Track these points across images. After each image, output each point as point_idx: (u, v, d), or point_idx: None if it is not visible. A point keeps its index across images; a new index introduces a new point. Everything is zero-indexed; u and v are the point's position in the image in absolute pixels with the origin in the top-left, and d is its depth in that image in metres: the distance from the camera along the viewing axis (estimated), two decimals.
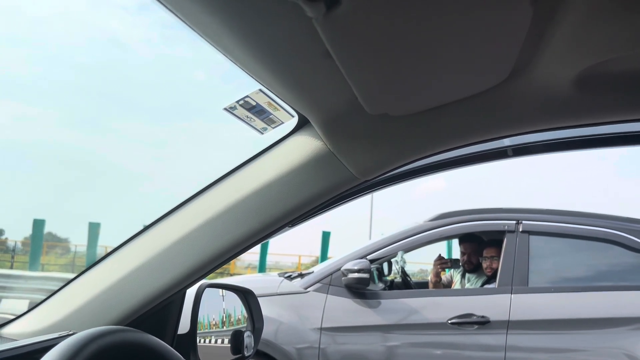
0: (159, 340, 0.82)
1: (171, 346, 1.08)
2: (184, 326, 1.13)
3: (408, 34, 0.60)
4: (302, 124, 0.94)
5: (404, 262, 4.02)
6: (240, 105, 0.86)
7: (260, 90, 0.83)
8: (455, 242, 4.31)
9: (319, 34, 0.57)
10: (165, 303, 1.05)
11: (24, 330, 1.05)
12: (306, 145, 0.94)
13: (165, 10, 0.61)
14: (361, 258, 3.63)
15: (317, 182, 0.94)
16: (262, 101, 0.85)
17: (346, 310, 3.52)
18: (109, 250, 1.10)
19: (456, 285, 4.10)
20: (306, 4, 0.51)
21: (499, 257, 3.63)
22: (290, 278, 3.77)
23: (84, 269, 1.10)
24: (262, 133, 0.94)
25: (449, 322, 3.41)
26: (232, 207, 0.98)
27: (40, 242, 14.39)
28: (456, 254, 4.15)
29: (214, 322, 1.24)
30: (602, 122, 0.87)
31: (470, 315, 3.42)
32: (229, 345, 1.24)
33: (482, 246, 3.93)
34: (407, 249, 3.81)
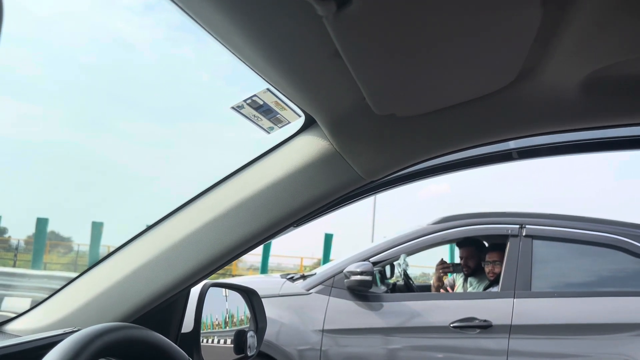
0: (163, 337, 0.82)
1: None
2: (187, 325, 1.13)
3: (417, 34, 0.60)
4: (309, 124, 0.94)
5: (407, 265, 4.02)
6: (248, 104, 0.86)
7: (268, 89, 0.83)
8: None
9: (328, 33, 0.58)
10: (170, 302, 1.05)
11: (28, 327, 1.05)
12: (312, 145, 0.94)
13: (175, 8, 0.61)
14: (364, 260, 3.63)
15: (323, 182, 0.94)
16: (270, 100, 0.86)
17: (348, 312, 3.52)
18: (111, 250, 1.10)
19: (458, 289, 4.10)
20: (317, 2, 0.51)
21: (501, 261, 3.62)
22: (292, 280, 3.77)
23: (87, 267, 1.10)
24: (269, 132, 0.95)
25: (451, 325, 3.41)
26: (237, 207, 0.98)
27: (43, 240, 14.43)
28: (458, 258, 4.15)
29: (217, 322, 1.24)
30: (609, 126, 0.87)
31: (472, 319, 3.41)
32: (232, 344, 1.24)
33: (483, 250, 3.92)
34: (410, 252, 3.81)
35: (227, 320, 1.28)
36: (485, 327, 3.38)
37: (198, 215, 1.00)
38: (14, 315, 1.11)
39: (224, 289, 1.29)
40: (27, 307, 1.11)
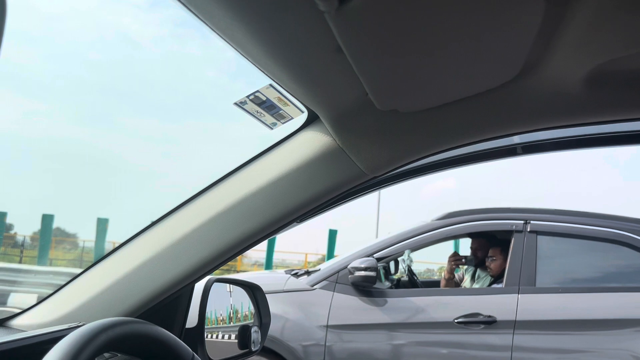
0: (168, 332, 0.82)
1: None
2: (192, 320, 1.14)
3: (419, 29, 0.60)
4: (312, 120, 0.95)
5: (411, 261, 4.02)
6: (251, 100, 0.86)
7: (271, 85, 0.83)
8: (462, 242, 4.30)
9: (330, 29, 0.58)
10: (174, 297, 1.06)
11: (34, 322, 1.06)
12: (315, 141, 0.94)
13: (178, 4, 0.61)
14: (368, 256, 3.63)
15: (326, 177, 0.95)
16: (272, 96, 0.86)
17: (352, 308, 3.52)
18: (117, 246, 1.11)
19: (466, 282, 4.10)
20: None
21: (505, 257, 3.62)
22: (296, 275, 3.77)
23: (92, 263, 1.10)
24: (272, 128, 0.95)
25: (456, 321, 3.41)
26: (241, 202, 0.98)
27: (49, 237, 14.51)
28: (464, 254, 4.14)
29: (221, 317, 1.25)
30: (613, 120, 0.87)
31: (477, 314, 3.41)
32: (236, 340, 1.25)
33: (491, 244, 3.91)
34: (414, 248, 3.81)
35: (232, 315, 1.29)
36: (490, 323, 3.38)
37: (202, 211, 1.01)
38: (20, 310, 1.12)
39: (228, 285, 1.29)
40: (33, 303, 1.12)
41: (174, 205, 1.05)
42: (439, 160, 1.09)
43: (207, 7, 0.61)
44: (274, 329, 3.40)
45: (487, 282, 3.87)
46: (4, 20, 0.37)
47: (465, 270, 4.22)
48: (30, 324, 1.06)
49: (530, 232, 3.60)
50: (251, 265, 18.29)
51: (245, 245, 1.01)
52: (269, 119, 0.92)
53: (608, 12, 0.60)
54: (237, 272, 14.15)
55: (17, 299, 8.96)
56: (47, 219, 14.23)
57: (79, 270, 1.11)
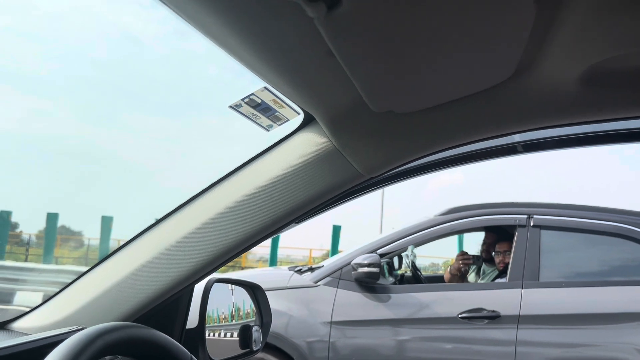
0: (166, 336, 0.83)
1: (179, 340, 1.09)
2: (192, 321, 1.14)
3: (410, 32, 0.60)
4: (308, 121, 0.95)
5: (414, 257, 4.02)
6: (246, 103, 0.86)
7: (266, 88, 0.83)
8: (466, 237, 4.29)
9: (321, 34, 0.58)
10: (174, 298, 1.06)
11: (35, 325, 1.07)
12: (312, 143, 0.94)
13: (169, 10, 0.61)
14: (371, 252, 3.63)
15: (322, 179, 0.95)
16: (268, 99, 0.86)
17: (356, 304, 3.53)
18: (121, 243, 1.11)
19: (470, 277, 4.09)
20: (307, 4, 0.51)
21: (511, 251, 3.61)
22: (300, 272, 3.78)
23: (95, 263, 1.11)
24: (268, 130, 0.95)
25: (459, 316, 3.41)
26: (239, 204, 0.98)
27: (54, 235, 14.56)
28: (468, 249, 4.14)
29: (222, 317, 1.25)
30: (609, 119, 0.87)
31: (480, 309, 3.41)
32: (238, 339, 1.25)
33: (500, 238, 3.90)
34: (418, 244, 3.81)
35: (233, 315, 1.29)
36: (494, 318, 3.38)
37: (199, 213, 1.01)
38: (27, 309, 1.12)
39: (229, 284, 1.30)
40: (39, 301, 1.13)
41: (173, 206, 1.06)
42: (436, 160, 1.09)
43: (198, 14, 0.61)
44: (278, 325, 3.41)
45: (493, 278, 3.87)
46: None
47: (470, 268, 4.22)
48: (31, 326, 1.07)
49: (533, 226, 3.59)
50: (256, 261, 18.33)
51: (243, 246, 1.01)
52: (265, 121, 0.92)
53: (601, 12, 0.60)
54: (242, 268, 14.20)
55: (23, 297, 9.02)
56: (51, 218, 14.28)
57: (84, 268, 1.11)
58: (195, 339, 1.12)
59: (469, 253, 4.22)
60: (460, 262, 3.92)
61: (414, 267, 4.09)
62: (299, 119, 0.94)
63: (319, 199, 0.97)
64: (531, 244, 3.55)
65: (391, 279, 3.82)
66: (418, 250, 4.06)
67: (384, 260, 3.69)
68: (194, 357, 0.87)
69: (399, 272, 4.09)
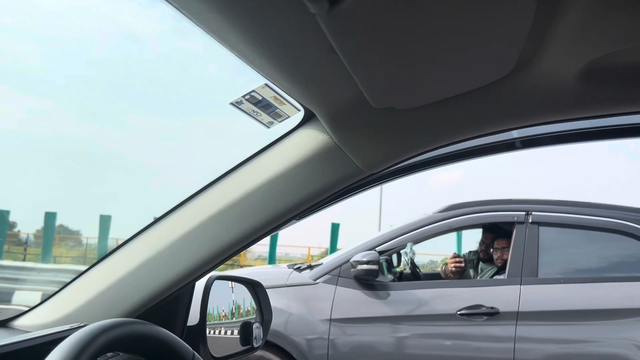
0: (168, 332, 0.83)
1: (181, 337, 1.09)
2: (193, 318, 1.14)
3: (411, 28, 0.60)
4: (309, 118, 0.95)
5: (413, 254, 4.03)
6: (247, 99, 0.87)
7: (266, 84, 0.83)
8: (465, 234, 4.29)
9: (322, 30, 0.58)
10: (175, 295, 1.06)
11: (37, 322, 1.07)
12: (312, 139, 0.94)
13: (170, 7, 0.62)
14: (370, 250, 3.63)
15: (323, 175, 0.95)
16: (268, 95, 0.86)
17: (355, 301, 3.53)
18: (120, 242, 1.11)
19: (468, 274, 4.10)
20: (309, 0, 0.51)
21: (509, 248, 3.62)
22: (299, 270, 3.78)
23: (94, 261, 1.11)
24: (269, 127, 0.95)
25: (458, 313, 3.42)
26: (239, 201, 0.99)
27: (52, 234, 14.54)
28: (466, 246, 4.15)
29: (223, 314, 1.25)
30: (609, 114, 0.87)
31: (479, 306, 3.42)
32: (238, 336, 1.25)
33: (498, 236, 3.91)
34: (416, 241, 3.82)
35: (234, 312, 1.29)
36: (492, 314, 3.39)
37: (200, 210, 1.01)
38: (25, 308, 1.12)
39: (229, 282, 1.30)
40: (38, 301, 1.13)
41: (172, 204, 1.06)
42: (437, 155, 1.09)
43: (199, 10, 0.61)
44: (277, 323, 3.41)
45: (491, 276, 3.87)
46: None
47: (468, 263, 4.22)
48: (33, 324, 1.07)
49: (532, 223, 3.60)
50: (255, 259, 18.33)
51: (244, 243, 1.01)
52: (266, 117, 0.92)
53: (600, 7, 0.60)
54: (241, 266, 14.20)
55: (22, 297, 9.00)
56: (50, 217, 14.26)
57: (82, 268, 1.12)
58: (197, 336, 1.12)
59: (469, 250, 4.23)
60: (452, 265, 3.92)
61: (412, 265, 4.09)
62: (299, 115, 0.94)
63: (320, 195, 0.97)
64: (530, 241, 3.56)
65: (390, 276, 3.82)
66: (417, 248, 4.07)
67: (382, 258, 3.69)
68: (196, 353, 0.87)
69: (398, 269, 4.09)
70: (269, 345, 3.40)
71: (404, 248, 3.86)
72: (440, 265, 4.51)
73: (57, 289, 1.12)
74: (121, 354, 0.84)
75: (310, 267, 3.80)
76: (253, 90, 0.85)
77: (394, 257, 3.99)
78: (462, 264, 3.93)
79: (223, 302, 1.25)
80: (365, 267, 3.49)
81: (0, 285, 9.25)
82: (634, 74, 0.75)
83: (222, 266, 1.10)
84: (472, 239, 4.17)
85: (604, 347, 3.29)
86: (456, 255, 4.02)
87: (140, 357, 0.82)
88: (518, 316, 3.37)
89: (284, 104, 0.88)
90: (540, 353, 3.33)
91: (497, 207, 3.74)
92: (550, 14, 0.62)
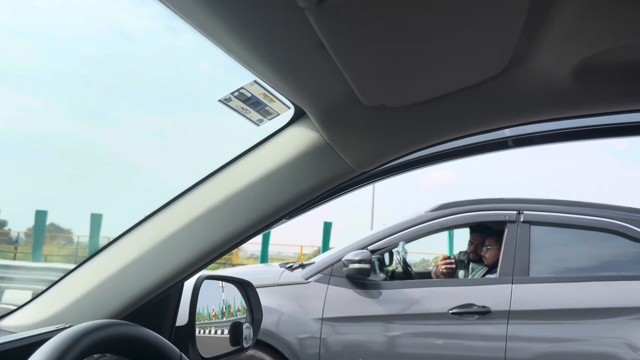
0: (154, 333, 0.82)
1: (169, 338, 1.08)
2: (182, 318, 1.13)
3: (402, 24, 0.59)
4: (299, 116, 0.94)
5: (405, 253, 4.02)
6: (235, 96, 0.85)
7: (255, 81, 0.82)
8: (457, 233, 4.30)
9: (312, 25, 0.57)
10: (163, 295, 1.05)
11: (22, 323, 1.05)
12: (303, 137, 0.93)
13: (159, 3, 0.60)
14: (362, 248, 3.63)
15: (314, 174, 0.94)
16: (258, 93, 0.85)
17: (347, 300, 3.53)
18: (105, 244, 1.10)
19: (460, 274, 4.11)
20: None
21: (500, 247, 3.63)
22: (291, 269, 3.78)
23: (82, 261, 1.10)
24: (258, 125, 0.94)
25: (450, 312, 3.42)
26: (229, 199, 0.97)
27: (42, 233, 14.46)
28: (458, 245, 4.16)
29: (213, 314, 1.24)
30: (601, 113, 0.86)
31: (471, 305, 3.42)
32: (228, 336, 1.24)
33: (488, 235, 3.92)
34: (408, 240, 3.81)
35: (224, 312, 1.28)
36: (484, 313, 3.39)
37: (189, 209, 1.00)
38: (14, 307, 1.11)
39: (219, 281, 1.29)
40: (26, 300, 1.11)
41: (161, 204, 1.04)
42: (428, 154, 1.08)
43: (187, 5, 0.59)
44: (269, 322, 3.40)
45: (482, 275, 3.88)
46: None
47: (459, 264, 4.22)
48: (19, 325, 1.05)
49: (523, 222, 3.61)
50: (247, 258, 18.31)
51: (234, 242, 1.00)
52: (255, 115, 0.90)
53: (593, 6, 0.60)
54: (233, 265, 14.18)
55: (11, 296, 8.94)
56: (40, 215, 14.18)
57: (73, 266, 1.10)
58: (185, 336, 1.11)
59: (460, 250, 4.24)
60: (443, 267, 3.91)
61: (404, 263, 4.09)
62: (289, 113, 0.93)
63: (310, 194, 0.96)
64: (521, 240, 3.57)
65: (382, 275, 3.82)
66: (409, 246, 4.06)
67: (374, 257, 3.69)
68: (183, 354, 0.86)
69: (390, 268, 4.09)
70: (260, 345, 3.38)
71: (396, 247, 3.86)
72: (433, 264, 4.52)
73: (45, 288, 1.10)
74: (108, 355, 0.82)
75: (303, 266, 3.80)
76: (242, 87, 0.83)
77: (386, 256, 3.99)
78: (453, 265, 3.93)
79: (213, 302, 1.24)
80: (357, 266, 3.49)
81: None
82: (627, 71, 0.74)
83: (213, 265, 1.09)
84: (464, 238, 4.18)
85: (595, 346, 3.31)
86: (446, 257, 4.02)
87: (126, 359, 0.81)
88: (509, 315, 3.37)
89: (273, 101, 0.87)
90: (532, 352, 3.34)
91: (489, 206, 3.75)
92: (544, 11, 0.61)
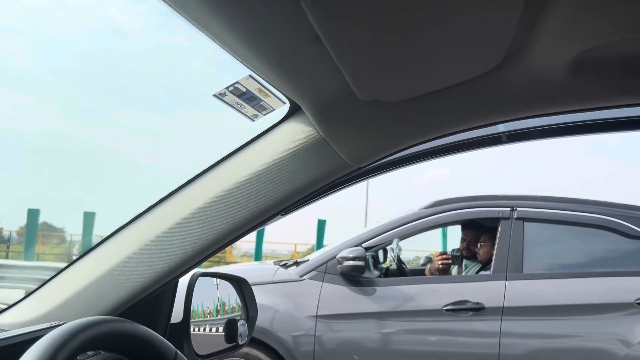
0: (149, 330, 0.81)
1: (164, 335, 1.07)
2: (177, 315, 1.12)
3: (399, 18, 0.59)
4: (294, 111, 0.93)
5: (399, 250, 4.03)
6: (230, 91, 0.84)
7: (250, 76, 0.81)
8: (450, 230, 4.30)
9: (308, 18, 0.56)
10: (158, 292, 1.04)
11: (15, 320, 1.04)
12: (298, 132, 0.92)
13: None
14: (356, 246, 3.64)
15: (309, 169, 0.93)
16: (253, 87, 0.84)
17: (341, 297, 3.53)
18: (99, 242, 1.09)
19: (453, 271, 4.12)
20: None
21: (494, 243, 3.64)
22: (285, 266, 3.78)
23: (75, 258, 1.09)
24: (253, 120, 0.93)
25: (444, 308, 3.43)
26: (223, 195, 0.97)
27: (35, 231, 14.40)
28: (452, 241, 4.16)
29: (208, 311, 1.23)
30: (596, 108, 0.86)
31: (465, 302, 3.43)
32: (223, 333, 1.24)
33: (482, 232, 3.93)
34: (403, 237, 3.82)
35: (218, 309, 1.28)
36: (478, 310, 3.41)
37: (183, 205, 0.99)
38: (5, 306, 1.10)
39: (214, 278, 1.28)
40: (18, 299, 1.10)
41: (155, 200, 1.03)
42: (423, 150, 1.08)
43: None
44: (263, 320, 3.40)
45: (475, 272, 3.89)
46: None
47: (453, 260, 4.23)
48: (12, 322, 1.05)
49: (517, 219, 3.62)
50: (241, 256, 18.29)
51: (229, 239, 0.99)
52: (250, 110, 0.90)
53: (589, 0, 0.59)
54: (227, 263, 14.14)
55: (3, 294, 8.90)
56: (33, 214, 14.11)
57: (65, 265, 1.09)
58: (180, 333, 1.10)
59: (453, 247, 4.24)
60: (439, 263, 3.92)
61: (399, 260, 4.10)
62: (284, 108, 0.92)
63: (306, 190, 0.95)
64: (515, 236, 3.58)
65: (376, 272, 3.83)
66: (403, 243, 4.07)
67: (369, 254, 3.69)
68: (178, 351, 0.86)
69: (384, 265, 4.10)
70: (255, 342, 3.38)
71: (390, 244, 3.87)
72: (426, 261, 4.52)
73: (38, 285, 1.09)
74: (102, 352, 0.82)
75: (297, 263, 3.80)
76: (237, 82, 0.83)
77: (380, 253, 3.99)
78: (450, 261, 3.94)
79: (207, 299, 1.23)
80: (351, 263, 3.49)
81: None
82: (624, 66, 0.74)
83: (207, 263, 1.08)
84: (458, 235, 4.18)
85: (589, 342, 3.32)
86: (443, 253, 4.03)
87: (121, 356, 0.81)
88: (503, 311, 3.39)
89: (268, 96, 0.87)
90: (526, 348, 3.36)
91: (483, 202, 3.76)
92: (540, 5, 0.61)
